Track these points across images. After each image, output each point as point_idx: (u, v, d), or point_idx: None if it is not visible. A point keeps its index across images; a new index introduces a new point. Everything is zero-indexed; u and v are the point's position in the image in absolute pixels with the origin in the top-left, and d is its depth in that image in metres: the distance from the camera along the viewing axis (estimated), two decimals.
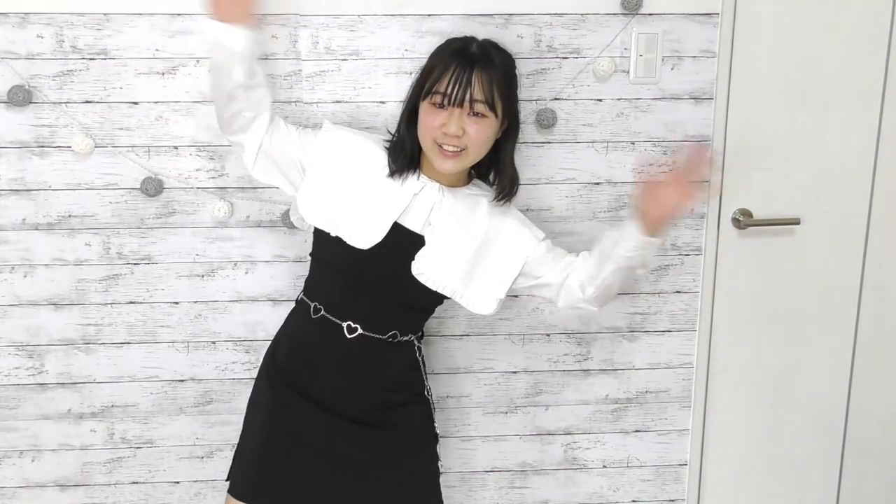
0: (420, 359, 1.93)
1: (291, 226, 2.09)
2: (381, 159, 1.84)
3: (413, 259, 1.79)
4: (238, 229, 2.14)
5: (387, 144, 1.86)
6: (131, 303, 2.16)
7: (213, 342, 2.20)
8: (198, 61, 2.04)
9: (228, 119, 1.79)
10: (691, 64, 2.14)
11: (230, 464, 1.99)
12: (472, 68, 1.72)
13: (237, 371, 2.22)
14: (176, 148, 2.08)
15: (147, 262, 2.14)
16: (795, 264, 2.29)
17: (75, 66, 2.02)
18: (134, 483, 2.27)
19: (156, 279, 2.15)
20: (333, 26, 2.04)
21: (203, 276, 2.16)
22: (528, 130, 2.11)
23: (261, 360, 1.99)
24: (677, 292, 2.27)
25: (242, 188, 2.10)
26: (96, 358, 2.19)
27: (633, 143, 2.17)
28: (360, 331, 1.82)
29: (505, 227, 1.86)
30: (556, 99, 2.12)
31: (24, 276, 2.12)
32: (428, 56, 1.81)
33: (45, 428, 2.22)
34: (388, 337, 1.84)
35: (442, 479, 2.27)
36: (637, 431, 2.36)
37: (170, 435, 2.25)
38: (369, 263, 1.78)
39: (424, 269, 1.79)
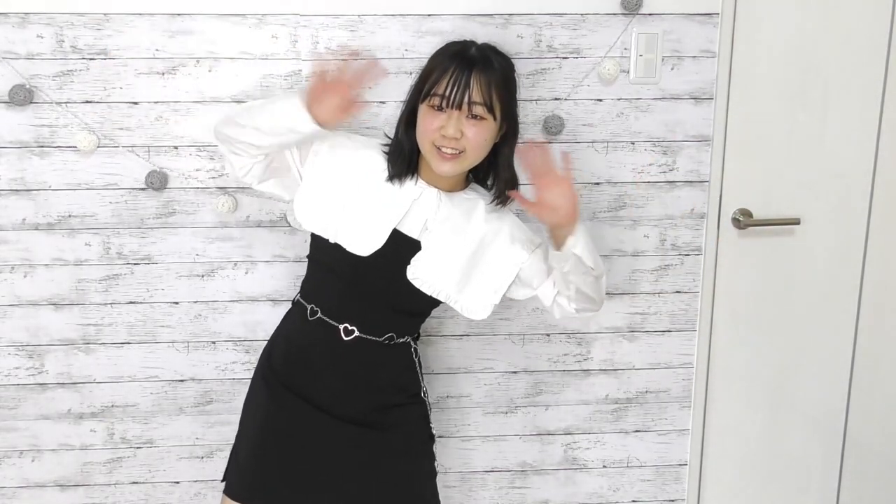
0: (416, 360, 1.93)
1: (291, 225, 2.09)
2: (379, 164, 1.83)
3: (409, 264, 1.79)
4: (238, 229, 2.14)
5: (384, 149, 1.85)
6: (131, 303, 2.16)
7: (213, 342, 2.20)
8: (198, 61, 2.04)
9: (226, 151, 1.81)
10: (691, 64, 2.14)
11: (226, 464, 1.99)
12: (471, 71, 1.72)
13: (237, 371, 2.22)
14: (176, 148, 2.08)
15: (147, 262, 2.14)
16: (795, 264, 2.29)
17: (75, 66, 2.02)
18: (134, 483, 2.27)
19: (156, 279, 2.15)
20: (333, 26, 2.04)
21: (203, 276, 2.16)
22: (529, 131, 2.11)
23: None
24: (677, 292, 2.27)
25: (243, 188, 2.10)
26: (96, 358, 2.19)
27: (633, 143, 2.17)
28: (356, 333, 1.82)
29: (501, 232, 1.85)
30: (556, 99, 2.12)
31: (24, 276, 2.13)
32: (427, 58, 1.81)
33: (45, 428, 2.22)
34: (385, 339, 1.84)
35: (442, 479, 2.27)
36: (637, 431, 2.36)
37: (170, 435, 2.25)
38: (368, 269, 1.78)
39: (420, 274, 1.79)
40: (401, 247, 1.79)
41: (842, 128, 2.22)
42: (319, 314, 1.83)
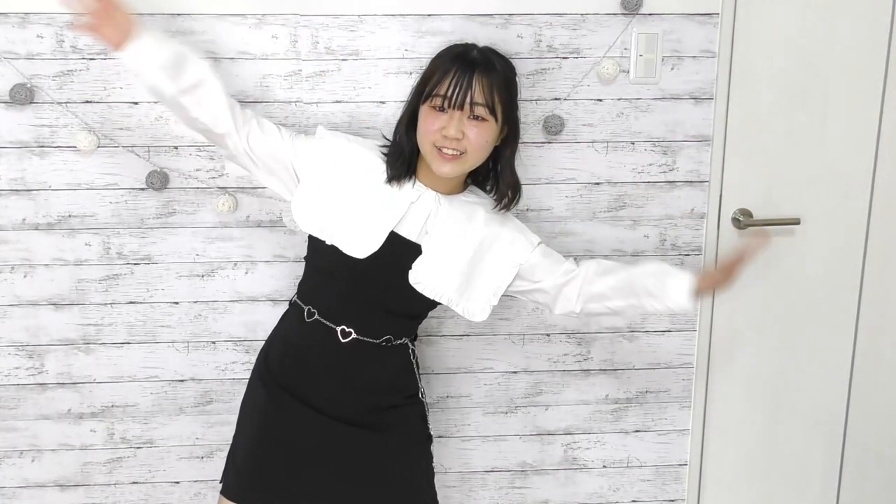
0: (414, 361, 1.93)
1: (288, 226, 2.09)
2: (377, 166, 1.83)
3: (408, 267, 1.78)
4: (238, 229, 2.14)
5: (383, 150, 1.85)
6: (131, 303, 2.16)
7: (213, 342, 2.20)
8: None
9: (192, 126, 1.78)
10: (691, 64, 2.14)
11: (223, 466, 1.99)
12: (473, 72, 1.72)
13: (237, 371, 2.22)
14: (176, 148, 2.08)
15: (147, 262, 2.14)
16: (795, 264, 2.29)
17: (75, 66, 2.02)
18: (134, 483, 2.27)
19: (156, 279, 2.15)
20: (333, 26, 2.04)
21: (203, 276, 2.16)
22: (529, 131, 2.11)
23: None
24: None
25: (243, 188, 2.10)
26: (96, 358, 2.19)
27: (633, 143, 2.17)
28: (353, 335, 1.82)
29: (501, 235, 1.85)
30: (556, 99, 2.12)
31: (24, 276, 2.13)
32: (428, 60, 1.81)
33: (45, 428, 2.22)
34: (382, 341, 1.84)
35: (442, 479, 2.27)
36: (637, 431, 2.36)
37: (170, 435, 2.25)
38: (365, 272, 1.78)
39: (422, 278, 1.79)
40: (398, 249, 1.78)
41: (842, 128, 2.22)
42: (317, 316, 1.83)
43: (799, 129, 2.21)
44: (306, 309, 1.84)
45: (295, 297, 1.91)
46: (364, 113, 2.09)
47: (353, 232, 1.77)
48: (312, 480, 1.86)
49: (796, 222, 2.25)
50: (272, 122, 1.84)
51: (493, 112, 1.73)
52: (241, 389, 2.00)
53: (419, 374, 1.95)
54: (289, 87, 2.06)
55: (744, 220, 2.22)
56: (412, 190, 1.81)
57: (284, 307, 1.98)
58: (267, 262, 2.16)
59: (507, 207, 1.85)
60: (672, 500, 2.42)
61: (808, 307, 2.32)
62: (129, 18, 1.68)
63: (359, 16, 2.04)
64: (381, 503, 1.89)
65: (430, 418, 1.99)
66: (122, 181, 2.09)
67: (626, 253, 2.23)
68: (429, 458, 1.96)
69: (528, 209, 2.17)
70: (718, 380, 2.34)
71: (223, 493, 1.92)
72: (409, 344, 1.92)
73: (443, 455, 2.31)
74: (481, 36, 2.05)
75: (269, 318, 2.16)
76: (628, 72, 2.12)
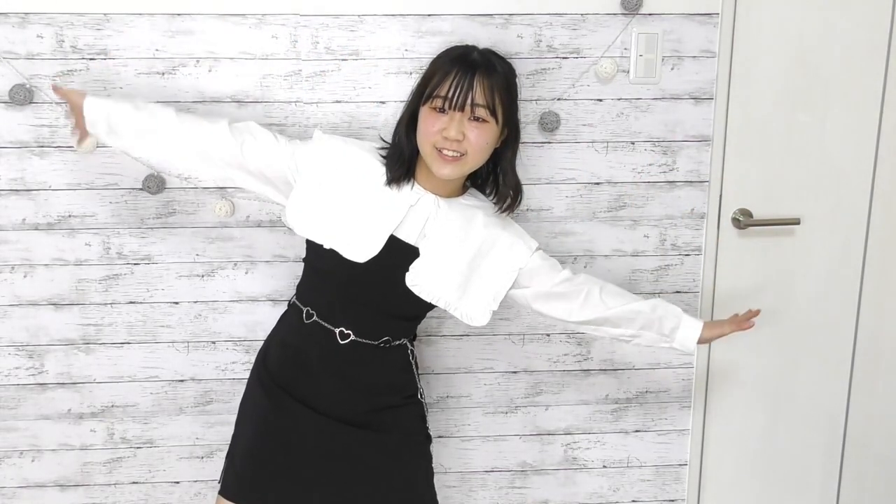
0: (412, 362, 1.93)
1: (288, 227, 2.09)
2: (375, 169, 1.82)
3: (406, 270, 1.78)
4: (238, 229, 2.14)
5: (381, 153, 1.85)
6: (131, 303, 2.16)
7: (213, 342, 2.20)
8: (198, 61, 2.04)
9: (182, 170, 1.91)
10: (691, 64, 2.14)
11: (222, 466, 1.99)
12: (474, 73, 1.72)
13: (237, 371, 2.22)
14: None
15: (147, 262, 2.14)
16: (795, 264, 2.29)
17: (75, 66, 2.02)
18: (134, 483, 2.27)
19: (156, 279, 2.15)
20: (333, 26, 2.04)
21: (203, 276, 2.16)
22: (528, 131, 2.11)
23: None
24: (677, 292, 2.27)
25: (239, 189, 2.10)
26: (96, 358, 2.19)
27: (633, 143, 2.17)
28: (352, 337, 1.82)
29: (500, 239, 1.85)
30: (556, 99, 2.12)
31: (24, 276, 2.13)
32: (428, 60, 1.81)
33: (45, 428, 2.22)
34: (381, 343, 1.84)
35: (442, 479, 2.27)
36: (637, 431, 2.36)
37: (170, 435, 2.25)
38: (364, 275, 1.77)
39: (419, 281, 1.79)
40: (397, 253, 1.78)
41: (842, 128, 2.22)
42: (315, 317, 1.83)
43: (799, 129, 2.21)
44: (305, 310, 1.84)
45: (294, 299, 1.91)
46: (364, 113, 2.09)
47: (352, 236, 1.77)
48: (311, 480, 1.86)
49: (796, 222, 2.25)
50: (267, 130, 1.85)
51: (493, 114, 1.73)
52: (241, 389, 2.01)
53: (418, 375, 1.95)
54: (289, 87, 2.06)
55: (744, 220, 2.22)
56: (411, 193, 1.81)
57: (284, 307, 1.98)
58: (267, 262, 2.16)
59: (509, 210, 1.85)
60: (672, 500, 2.42)
61: (808, 307, 2.32)
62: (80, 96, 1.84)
63: (359, 16, 2.04)
64: (379, 503, 1.89)
65: (430, 418, 1.99)
66: (121, 181, 2.09)
67: (627, 253, 2.23)
68: (428, 458, 1.96)
69: (528, 209, 2.16)
70: (718, 380, 2.34)
71: (222, 493, 1.92)
72: (408, 344, 1.92)
73: (443, 455, 2.31)
74: (481, 36, 2.05)
75: (269, 318, 2.16)
76: (628, 72, 2.12)
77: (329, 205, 1.79)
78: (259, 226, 2.14)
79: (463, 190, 1.88)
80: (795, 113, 2.20)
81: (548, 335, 2.27)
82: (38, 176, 2.07)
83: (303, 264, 1.92)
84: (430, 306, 1.84)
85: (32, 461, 2.24)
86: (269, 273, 2.17)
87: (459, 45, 1.84)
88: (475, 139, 1.73)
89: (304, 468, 1.86)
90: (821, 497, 2.46)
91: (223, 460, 2.00)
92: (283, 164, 1.81)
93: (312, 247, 1.82)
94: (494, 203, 1.86)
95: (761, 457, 2.42)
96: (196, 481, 2.28)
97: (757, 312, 1.95)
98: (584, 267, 2.21)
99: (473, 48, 1.80)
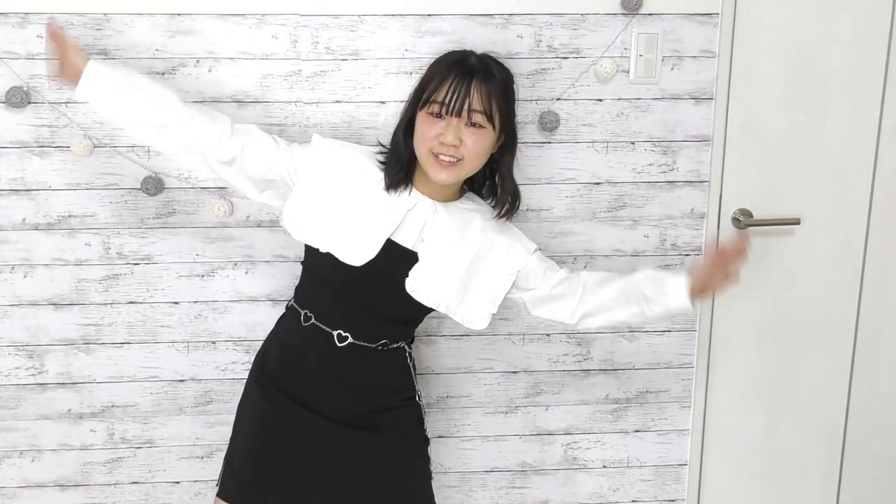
0: (410, 364, 1.93)
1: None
2: (373, 173, 1.82)
3: (405, 275, 1.78)
4: (238, 229, 2.14)
5: (379, 157, 1.85)
6: (131, 303, 2.16)
7: (213, 342, 2.20)
8: (198, 61, 2.04)
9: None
10: (691, 64, 2.14)
11: (220, 467, 1.99)
12: (472, 78, 1.71)
13: (237, 371, 2.22)
14: None
15: (147, 262, 2.14)
16: (795, 264, 2.29)
17: None
18: (134, 483, 2.27)
19: (156, 279, 2.15)
20: (333, 26, 2.04)
21: (203, 276, 2.16)
22: (528, 131, 2.11)
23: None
24: None
25: (242, 193, 2.10)
26: (96, 358, 2.19)
27: (633, 143, 2.17)
28: (350, 339, 1.82)
29: (498, 242, 1.85)
30: (556, 99, 2.12)
31: (24, 276, 2.12)
32: (428, 60, 1.81)
33: (45, 428, 2.22)
34: (379, 345, 1.84)
35: (442, 479, 2.27)
36: (637, 431, 2.36)
37: (170, 435, 2.25)
38: (361, 279, 1.77)
39: (419, 285, 1.79)
40: (395, 257, 1.78)
41: (842, 128, 2.22)
42: (313, 320, 1.83)
43: (799, 129, 2.21)
44: (303, 313, 1.85)
45: (292, 301, 1.91)
46: (364, 113, 2.09)
47: (349, 240, 1.77)
48: (309, 482, 1.86)
49: (796, 222, 2.25)
50: (268, 134, 1.85)
51: (490, 119, 1.73)
52: (241, 389, 2.01)
53: (416, 377, 1.95)
54: (289, 87, 2.06)
55: (744, 220, 2.22)
56: (408, 197, 1.80)
57: (284, 307, 1.98)
58: (267, 262, 2.16)
59: (507, 216, 1.85)
60: (672, 500, 2.42)
61: (808, 307, 2.32)
62: (80, 58, 1.77)
63: (359, 16, 2.04)
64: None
65: (430, 418, 2.00)
66: (121, 181, 2.09)
67: (627, 253, 2.23)
68: (426, 459, 1.96)
69: (528, 209, 2.17)
70: (718, 380, 2.34)
71: (219, 494, 1.92)
72: (406, 347, 1.92)
73: (443, 455, 2.31)
74: (481, 36, 2.05)
75: (269, 318, 2.16)
76: (628, 72, 2.12)
77: (326, 208, 1.79)
78: (259, 226, 2.14)
79: (460, 194, 1.88)
80: (795, 113, 2.20)
81: (548, 335, 2.27)
82: (38, 176, 2.07)
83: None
84: (428, 310, 1.84)
85: (32, 461, 2.24)
86: (269, 273, 2.17)
87: (457, 50, 1.84)
88: (472, 145, 1.73)
89: (302, 469, 1.86)
90: (821, 497, 2.46)
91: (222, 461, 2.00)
92: (282, 168, 1.81)
93: (310, 250, 1.82)
94: (493, 207, 1.86)
95: (761, 457, 2.42)
96: (196, 481, 2.28)
97: (745, 240, 1.85)
98: (584, 267, 2.21)
99: (471, 53, 1.80)
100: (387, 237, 1.77)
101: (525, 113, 2.09)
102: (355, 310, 1.81)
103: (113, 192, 2.09)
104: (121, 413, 2.23)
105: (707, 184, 2.21)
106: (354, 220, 1.78)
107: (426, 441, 1.96)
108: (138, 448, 2.25)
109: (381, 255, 1.76)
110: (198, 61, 2.04)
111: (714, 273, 1.85)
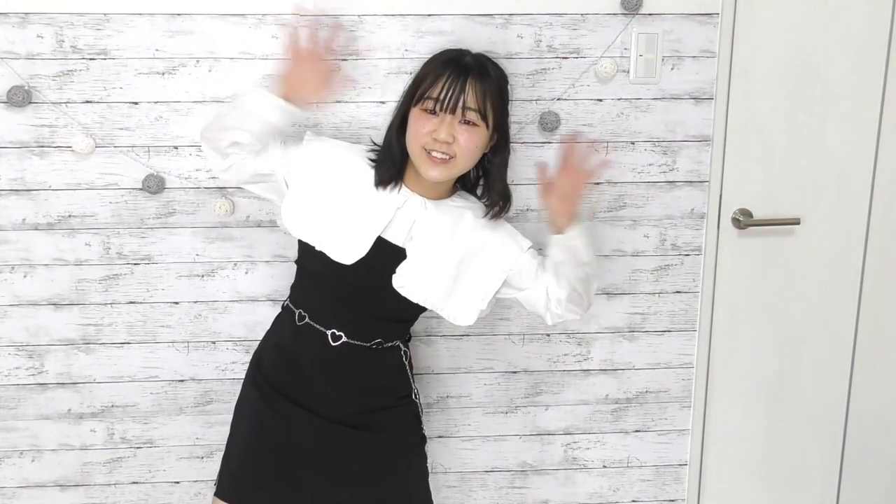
0: (406, 363, 1.93)
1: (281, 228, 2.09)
2: (364, 171, 1.82)
3: (395, 272, 1.78)
4: (238, 229, 2.14)
5: (370, 155, 1.85)
6: (131, 303, 2.16)
7: (213, 342, 2.20)
8: (198, 61, 2.04)
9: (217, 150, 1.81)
10: (691, 64, 2.14)
11: (218, 468, 1.99)
12: (467, 76, 1.72)
13: (237, 371, 2.21)
14: (176, 148, 2.08)
15: (147, 262, 2.14)
16: (795, 264, 2.29)
17: (75, 66, 2.02)
18: (134, 483, 2.27)
19: (156, 279, 2.15)
20: (333, 26, 2.04)
21: (203, 276, 2.16)
22: (528, 131, 2.11)
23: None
24: (677, 292, 2.27)
25: (240, 188, 2.10)
26: (96, 358, 2.19)
27: (633, 143, 2.17)
28: (344, 338, 1.82)
29: (490, 240, 1.84)
30: (556, 99, 2.12)
31: (24, 276, 2.13)
32: (427, 59, 1.81)
33: (45, 428, 2.22)
34: (373, 344, 1.84)
35: (442, 479, 2.28)
36: (637, 431, 2.36)
37: (170, 435, 2.25)
38: (352, 277, 1.77)
39: (406, 282, 1.78)
40: (385, 255, 1.78)
41: (842, 128, 2.22)
42: (307, 319, 1.83)
43: (799, 129, 2.21)
44: (297, 312, 1.85)
45: (287, 301, 1.91)
46: (364, 113, 2.09)
47: (340, 238, 1.77)
48: (306, 481, 1.86)
49: (796, 222, 2.25)
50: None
51: (484, 118, 1.73)
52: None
53: (412, 375, 1.95)
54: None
55: (744, 220, 2.22)
56: (398, 195, 1.80)
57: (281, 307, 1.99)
58: (267, 262, 2.16)
59: (497, 216, 1.85)
60: (672, 500, 2.42)
61: (808, 307, 2.32)
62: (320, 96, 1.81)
63: (359, 16, 2.04)
64: (375, 503, 1.89)
65: (429, 418, 2.00)
66: (121, 181, 2.09)
67: (627, 253, 2.23)
68: (423, 458, 1.96)
69: (527, 209, 2.17)
70: (718, 380, 2.34)
71: (218, 494, 1.92)
72: (402, 346, 1.92)
73: (443, 455, 2.31)
74: (481, 36, 2.05)
75: (268, 319, 2.15)
76: (628, 72, 2.12)
77: (318, 206, 1.80)
78: (259, 226, 2.14)
79: (452, 192, 1.87)
80: (795, 113, 2.20)
81: (548, 335, 2.27)
82: (38, 176, 2.07)
83: None
84: (422, 309, 1.84)
85: (32, 461, 2.24)
86: (269, 273, 2.17)
87: (452, 49, 1.84)
88: (465, 142, 1.73)
89: (299, 469, 1.86)
90: (821, 497, 2.46)
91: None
92: (276, 165, 1.82)
93: (304, 249, 1.83)
94: (486, 205, 1.85)
95: (761, 457, 2.42)
96: (196, 481, 2.28)
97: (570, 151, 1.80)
98: None
99: (467, 52, 1.80)
100: (377, 235, 1.78)
101: (525, 113, 2.09)
102: (348, 308, 1.81)
103: (113, 192, 2.09)
104: (121, 413, 2.23)
105: (707, 184, 2.21)
106: (345, 218, 1.78)
107: (423, 439, 1.96)
108: (138, 448, 2.25)
109: (371, 253, 1.77)
110: (198, 61, 2.04)
111: (565, 196, 1.79)
